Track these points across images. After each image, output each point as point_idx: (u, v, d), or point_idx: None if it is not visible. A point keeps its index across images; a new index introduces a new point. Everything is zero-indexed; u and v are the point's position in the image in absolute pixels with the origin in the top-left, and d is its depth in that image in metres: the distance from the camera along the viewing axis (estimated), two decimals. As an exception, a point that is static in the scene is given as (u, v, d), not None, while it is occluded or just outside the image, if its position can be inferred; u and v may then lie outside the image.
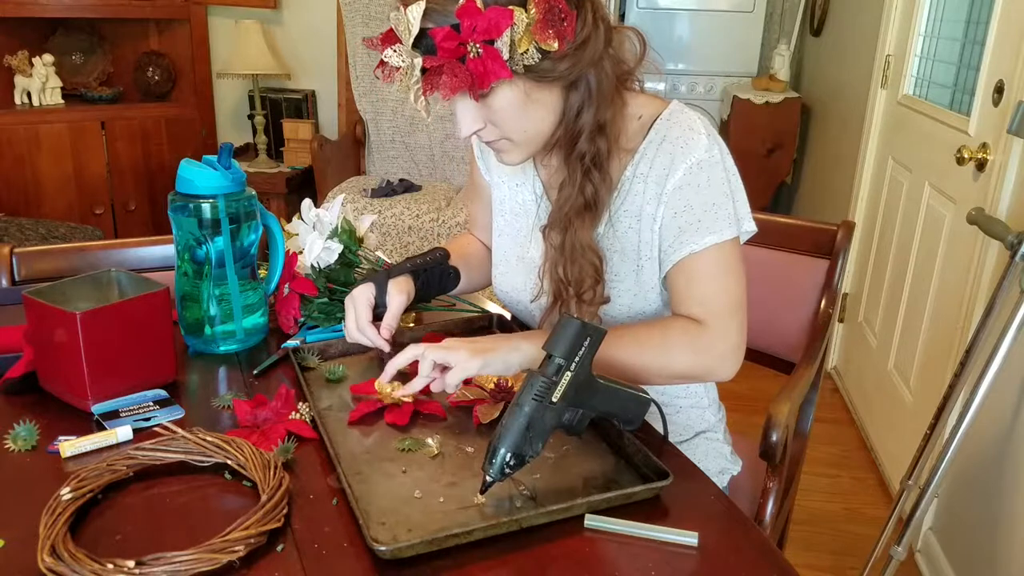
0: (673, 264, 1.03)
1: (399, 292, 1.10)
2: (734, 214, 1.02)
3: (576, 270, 1.05)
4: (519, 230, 1.19)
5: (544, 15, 0.89)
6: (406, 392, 0.98)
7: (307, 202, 1.31)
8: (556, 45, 0.90)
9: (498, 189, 1.21)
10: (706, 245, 1.01)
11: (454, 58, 0.89)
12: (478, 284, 1.29)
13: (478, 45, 0.88)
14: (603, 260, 1.06)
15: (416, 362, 0.96)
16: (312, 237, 1.27)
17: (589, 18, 0.93)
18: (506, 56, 0.88)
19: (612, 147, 1.02)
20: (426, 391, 1.04)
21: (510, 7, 0.88)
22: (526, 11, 0.88)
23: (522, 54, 0.90)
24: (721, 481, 1.23)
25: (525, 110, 0.96)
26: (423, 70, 0.90)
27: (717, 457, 1.24)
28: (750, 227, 1.05)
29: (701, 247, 1.01)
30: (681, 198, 1.02)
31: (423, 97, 0.93)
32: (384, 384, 1.02)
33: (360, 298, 1.09)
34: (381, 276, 1.11)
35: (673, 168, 1.01)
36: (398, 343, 1.19)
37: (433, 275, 1.17)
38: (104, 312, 0.99)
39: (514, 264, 1.19)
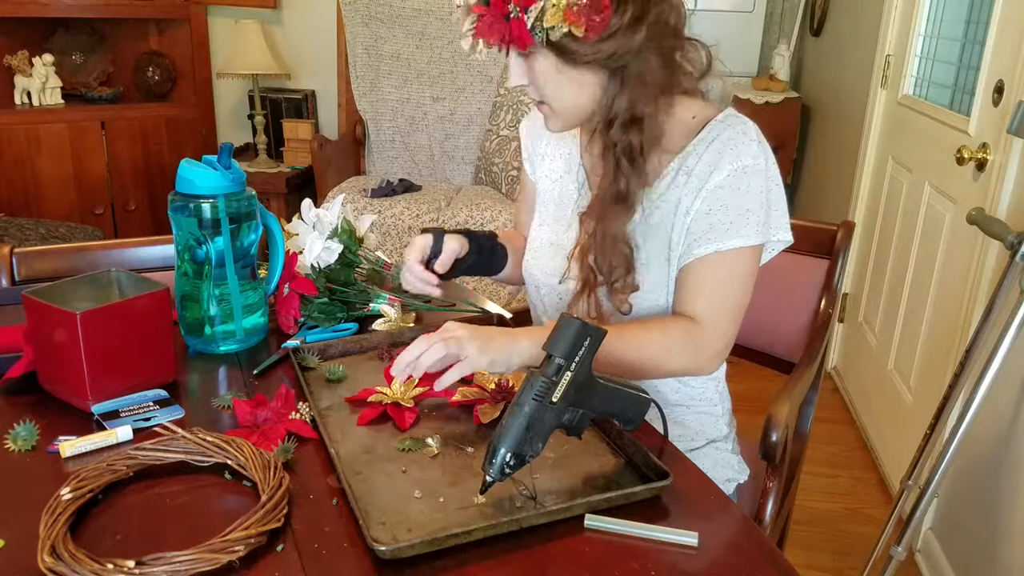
0: (693, 259, 1.06)
1: (454, 240, 1.16)
2: (765, 222, 1.05)
3: (608, 259, 1.08)
4: (558, 219, 1.22)
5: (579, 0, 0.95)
6: (404, 377, 0.97)
7: (307, 202, 1.31)
8: (582, 31, 0.96)
9: (542, 183, 1.26)
10: (731, 247, 1.04)
11: (499, 14, 0.97)
12: (518, 274, 1.30)
13: (518, 8, 0.96)
14: (634, 250, 1.08)
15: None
16: (312, 237, 1.27)
17: (627, 17, 0.97)
18: (528, 26, 0.96)
19: (648, 143, 1.05)
20: (429, 391, 1.05)
21: None
22: None
23: (548, 29, 0.96)
24: (728, 488, 1.23)
25: (557, 82, 1.03)
26: (478, 15, 0.98)
27: (725, 467, 1.24)
28: (784, 237, 1.08)
29: (726, 248, 1.04)
30: (719, 197, 1.04)
31: (472, 40, 1.01)
32: (398, 377, 1.00)
33: (416, 243, 1.15)
34: (438, 232, 1.17)
35: (719, 167, 1.04)
36: (398, 343, 1.20)
37: (485, 246, 1.22)
38: (104, 312, 0.99)
39: (547, 249, 1.22)
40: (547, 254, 1.21)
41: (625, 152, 1.04)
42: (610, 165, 1.06)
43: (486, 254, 1.22)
